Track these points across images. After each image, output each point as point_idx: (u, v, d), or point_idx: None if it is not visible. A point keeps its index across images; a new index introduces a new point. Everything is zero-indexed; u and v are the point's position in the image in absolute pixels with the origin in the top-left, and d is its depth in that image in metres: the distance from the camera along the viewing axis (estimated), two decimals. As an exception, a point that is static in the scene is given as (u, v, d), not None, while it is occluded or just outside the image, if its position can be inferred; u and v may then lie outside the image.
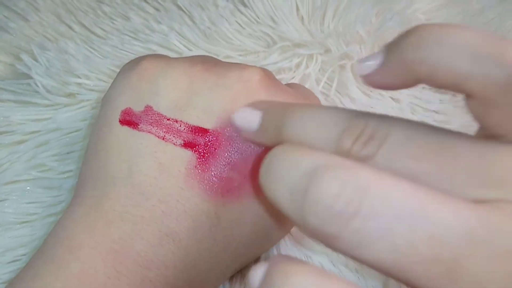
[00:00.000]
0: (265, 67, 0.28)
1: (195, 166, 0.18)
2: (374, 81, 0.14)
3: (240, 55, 0.29)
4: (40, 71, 0.28)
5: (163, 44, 0.30)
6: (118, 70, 0.29)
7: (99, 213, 0.18)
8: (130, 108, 0.19)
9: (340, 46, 0.29)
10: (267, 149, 0.19)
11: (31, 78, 0.28)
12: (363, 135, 0.13)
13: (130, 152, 0.18)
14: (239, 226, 0.19)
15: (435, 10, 0.31)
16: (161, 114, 0.19)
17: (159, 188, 0.18)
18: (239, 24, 0.30)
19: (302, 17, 0.30)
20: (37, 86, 0.28)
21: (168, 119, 0.19)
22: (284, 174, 0.13)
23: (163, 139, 0.18)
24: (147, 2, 0.32)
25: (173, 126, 0.19)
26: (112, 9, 0.32)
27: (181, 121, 0.19)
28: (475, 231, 0.11)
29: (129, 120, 0.19)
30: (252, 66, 0.20)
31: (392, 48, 0.13)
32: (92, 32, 0.31)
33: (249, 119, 0.18)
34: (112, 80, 0.28)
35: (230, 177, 0.18)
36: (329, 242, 0.12)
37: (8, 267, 0.24)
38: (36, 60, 0.29)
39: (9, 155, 0.27)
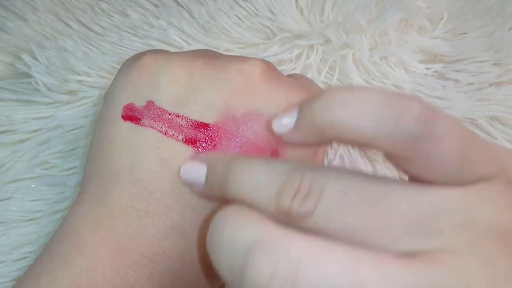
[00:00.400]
0: (266, 59, 0.28)
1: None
2: (290, 138, 0.15)
3: (240, 48, 0.29)
4: (40, 70, 0.28)
5: (163, 40, 0.29)
6: (118, 67, 0.29)
7: (104, 208, 0.18)
8: (132, 103, 0.19)
9: (340, 36, 0.28)
10: (270, 143, 0.19)
11: (31, 77, 0.28)
12: (300, 190, 0.13)
13: (132, 148, 0.18)
14: None
15: (435, -3, 0.31)
16: (163, 109, 0.19)
17: (161, 182, 0.18)
18: (238, 17, 0.30)
19: (301, 8, 0.30)
20: (38, 84, 0.28)
21: (170, 114, 0.19)
22: (224, 249, 0.13)
23: (165, 134, 0.18)
24: (145, -2, 0.32)
25: (175, 121, 0.19)
26: (110, 6, 0.32)
27: (182, 115, 0.19)
28: None
29: (131, 116, 0.19)
30: (253, 58, 0.20)
31: (303, 110, 0.14)
32: (91, 30, 0.31)
33: (195, 174, 0.17)
34: (112, 77, 0.28)
35: None
36: None
37: (15, 264, 0.24)
38: (36, 59, 0.29)
39: (12, 154, 0.27)
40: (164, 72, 0.19)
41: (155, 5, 0.32)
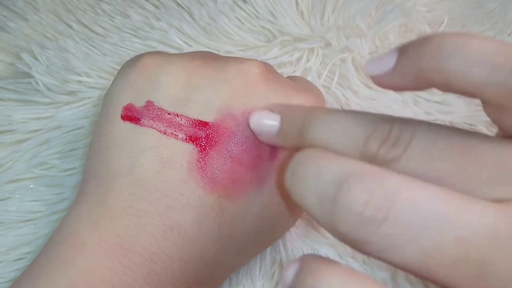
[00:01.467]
0: (266, 62, 0.28)
1: (197, 159, 0.18)
2: (384, 82, 0.14)
3: (240, 50, 0.29)
4: (40, 70, 0.28)
5: (163, 41, 0.30)
6: (118, 68, 0.29)
7: (103, 209, 0.18)
8: (131, 103, 0.19)
9: (341, 40, 0.28)
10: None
11: (31, 77, 0.28)
12: (389, 139, 0.13)
13: (132, 148, 0.18)
14: (244, 218, 0.19)
15: (436, 2, 0.31)
16: (162, 109, 0.19)
17: (162, 181, 0.18)
18: (239, 20, 0.30)
19: (302, 11, 0.30)
20: (38, 84, 0.28)
21: (169, 114, 0.19)
22: (312, 181, 0.13)
23: (164, 133, 0.18)
24: (146, 0, 0.32)
25: (174, 120, 0.19)
26: (111, 7, 0.32)
27: (181, 115, 0.19)
28: (500, 231, 0.11)
29: (130, 116, 0.19)
30: (251, 59, 0.20)
31: (407, 55, 0.13)
32: (92, 30, 0.31)
33: (267, 123, 0.18)
34: (113, 78, 0.28)
35: (233, 168, 0.18)
36: (359, 247, 0.12)
37: (12, 265, 0.24)
38: (36, 59, 0.29)
39: (11, 154, 0.26)
40: (163, 73, 0.19)
41: (156, 7, 0.32)
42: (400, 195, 0.12)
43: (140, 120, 0.19)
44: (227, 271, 0.20)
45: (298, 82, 0.22)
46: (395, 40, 0.29)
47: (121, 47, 0.30)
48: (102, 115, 0.20)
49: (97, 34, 0.31)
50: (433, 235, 0.11)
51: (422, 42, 0.13)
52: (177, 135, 0.18)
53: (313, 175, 0.13)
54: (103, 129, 0.20)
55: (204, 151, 0.18)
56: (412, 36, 0.29)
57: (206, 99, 0.19)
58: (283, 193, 0.20)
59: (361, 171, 0.12)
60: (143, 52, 0.29)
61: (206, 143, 0.18)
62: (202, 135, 0.18)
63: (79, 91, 0.28)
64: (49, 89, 0.28)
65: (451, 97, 0.27)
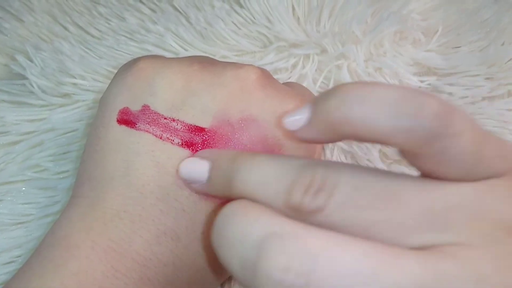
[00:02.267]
0: (262, 67, 0.28)
1: None
2: (302, 136, 0.14)
3: (236, 55, 0.29)
4: (35, 72, 0.28)
5: (159, 45, 0.30)
6: (114, 71, 0.29)
7: (96, 212, 0.18)
8: (127, 107, 0.19)
9: (336, 46, 0.29)
10: (266, 148, 0.19)
11: (26, 78, 0.28)
12: (312, 186, 0.13)
13: (127, 151, 0.18)
14: None
15: (431, 10, 0.31)
16: (158, 113, 0.19)
17: (156, 186, 0.18)
18: (235, 25, 0.30)
19: (298, 18, 0.30)
20: (32, 86, 0.28)
21: (165, 118, 0.19)
22: (234, 243, 0.13)
23: (160, 138, 0.18)
24: (143, 3, 0.32)
25: (170, 125, 0.19)
26: (108, 9, 0.32)
27: (178, 120, 0.19)
28: (426, 284, 0.11)
29: (126, 119, 0.19)
30: (248, 65, 0.20)
31: (317, 107, 0.13)
32: (88, 33, 0.31)
33: (197, 170, 0.17)
34: (108, 81, 0.28)
35: None
36: None
37: (3, 268, 0.24)
38: (31, 61, 0.29)
39: (4, 155, 0.26)
40: (160, 77, 0.19)
41: (153, 10, 0.32)
42: (322, 257, 0.11)
43: (136, 124, 0.19)
44: (220, 276, 0.20)
45: (294, 89, 0.22)
46: (390, 47, 0.29)
47: (116, 50, 0.30)
48: (98, 118, 0.20)
49: (93, 36, 0.31)
50: None
51: (328, 94, 0.13)
52: (173, 140, 0.18)
53: (236, 237, 0.13)
54: (98, 132, 0.20)
55: None
56: (407, 44, 0.29)
57: (203, 104, 0.19)
58: None
59: (280, 231, 0.12)
60: (139, 55, 0.29)
61: (202, 149, 0.18)
62: (198, 141, 0.18)
63: (73, 94, 0.28)
64: (43, 91, 0.28)
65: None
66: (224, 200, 0.17)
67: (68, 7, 0.32)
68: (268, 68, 0.28)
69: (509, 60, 0.28)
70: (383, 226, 0.12)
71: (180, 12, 0.31)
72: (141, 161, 0.18)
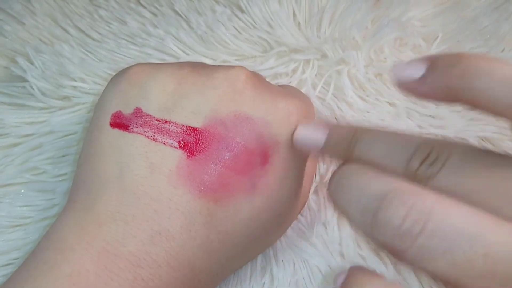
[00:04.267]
0: (262, 72, 0.28)
1: (186, 164, 0.18)
2: (410, 88, 0.15)
3: (237, 60, 0.29)
4: (35, 74, 0.28)
5: (160, 48, 0.30)
6: (114, 74, 0.29)
7: (91, 215, 0.18)
8: (120, 111, 0.19)
9: (337, 52, 0.29)
10: (260, 146, 0.19)
11: (26, 81, 0.28)
12: (428, 158, 0.14)
13: (121, 154, 0.19)
14: (233, 223, 0.19)
15: (431, 17, 0.31)
16: (151, 115, 0.19)
17: (150, 187, 0.18)
18: (236, 29, 0.30)
19: (299, 23, 0.30)
20: (32, 89, 0.28)
21: (158, 120, 0.19)
22: (355, 194, 0.15)
23: (153, 139, 0.19)
24: (144, 7, 0.32)
25: (163, 126, 0.19)
26: (109, 13, 0.32)
27: (170, 121, 0.19)
28: None
29: (119, 123, 0.19)
30: (238, 66, 0.20)
31: (437, 70, 0.14)
32: (88, 36, 0.31)
33: (314, 137, 0.18)
34: (108, 84, 0.28)
35: (222, 173, 0.18)
36: (396, 255, 0.14)
37: (1, 270, 0.24)
38: (32, 63, 0.29)
39: (3, 158, 0.26)
40: (153, 80, 0.20)
41: (154, 14, 0.32)
42: (436, 211, 0.13)
43: (129, 127, 0.19)
44: (216, 278, 0.20)
45: (285, 89, 0.22)
46: (390, 53, 0.29)
47: (117, 53, 0.30)
48: (92, 123, 0.21)
49: (94, 39, 0.31)
50: (464, 249, 0.12)
51: (451, 61, 0.14)
52: (166, 141, 0.19)
53: (357, 189, 0.15)
54: (92, 136, 0.20)
55: (193, 156, 0.18)
56: (407, 51, 0.30)
57: (195, 106, 0.19)
58: (278, 199, 0.20)
59: (401, 189, 0.14)
60: (139, 58, 0.29)
61: (195, 148, 0.18)
62: (191, 140, 0.19)
63: (73, 97, 0.28)
64: (43, 94, 0.28)
65: (444, 111, 0.27)
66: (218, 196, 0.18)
67: (69, 10, 0.32)
68: (268, 73, 0.28)
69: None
70: (486, 194, 0.13)
71: (181, 16, 0.31)
72: (135, 163, 0.18)
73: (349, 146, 0.17)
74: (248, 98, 0.19)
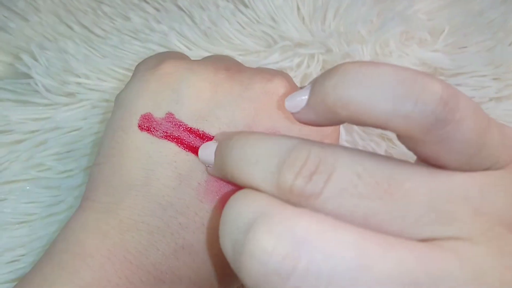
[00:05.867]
0: (266, 66, 0.28)
1: (216, 180, 0.17)
2: (301, 118, 0.14)
3: (240, 55, 0.29)
4: (40, 71, 0.28)
5: (163, 44, 0.29)
6: (118, 70, 0.29)
7: (112, 220, 0.17)
8: (150, 113, 0.18)
9: (342, 46, 0.28)
10: None
11: (31, 77, 0.28)
12: (305, 166, 0.12)
13: (148, 160, 0.18)
14: None
15: (436, 10, 0.31)
16: (183, 123, 0.18)
17: (177, 199, 0.17)
18: (240, 24, 0.30)
19: (303, 17, 0.30)
20: (37, 85, 0.28)
21: (190, 129, 0.18)
22: (229, 226, 0.12)
23: (183, 148, 0.18)
24: (147, 2, 0.32)
25: (195, 136, 0.18)
26: (112, 9, 0.32)
27: (203, 131, 0.18)
28: (419, 280, 0.11)
29: (148, 126, 0.18)
30: (277, 76, 0.19)
31: (315, 89, 0.13)
32: (92, 32, 0.31)
33: (208, 153, 0.17)
34: (112, 79, 0.28)
35: None
36: None
37: (7, 267, 0.24)
38: (36, 60, 0.29)
39: (8, 154, 0.26)
40: (187, 84, 0.18)
41: (157, 10, 0.32)
42: (311, 242, 0.10)
43: (159, 132, 0.18)
44: None
45: None
46: (396, 47, 0.29)
47: (121, 49, 0.30)
48: (116, 120, 0.19)
49: (97, 36, 0.31)
50: None
51: (326, 74, 0.12)
52: (197, 152, 0.18)
53: (231, 219, 0.12)
54: (116, 135, 0.18)
55: None
56: (413, 44, 0.29)
57: (230, 117, 0.18)
58: None
59: (272, 212, 0.11)
60: (143, 54, 0.29)
61: None
62: None
63: (78, 93, 0.28)
64: (48, 90, 0.28)
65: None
66: None
67: (73, 6, 0.32)
68: (272, 67, 0.28)
69: (516, 60, 0.28)
70: (384, 217, 0.12)
71: (184, 11, 0.31)
72: (162, 172, 0.17)
73: (224, 159, 0.15)
74: (284, 116, 0.18)
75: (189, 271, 0.17)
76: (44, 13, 0.32)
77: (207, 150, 0.17)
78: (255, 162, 0.13)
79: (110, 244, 0.16)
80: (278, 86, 0.19)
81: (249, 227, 0.11)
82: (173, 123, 0.18)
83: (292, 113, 0.14)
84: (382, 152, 0.25)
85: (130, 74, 0.28)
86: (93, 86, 0.28)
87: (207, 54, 0.29)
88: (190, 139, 0.18)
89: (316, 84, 0.13)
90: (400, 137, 0.13)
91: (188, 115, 0.18)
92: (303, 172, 0.12)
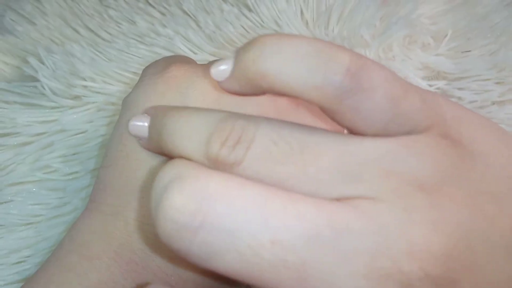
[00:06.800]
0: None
1: None
2: (226, 87, 0.14)
3: (245, 59, 0.29)
4: (46, 74, 0.28)
5: (169, 48, 0.30)
6: (124, 73, 0.29)
7: (119, 222, 0.17)
8: None
9: (345, 50, 0.29)
10: None
11: (37, 80, 0.29)
12: (230, 137, 0.13)
13: (154, 162, 0.18)
14: None
15: (440, 15, 0.31)
16: None
17: None
18: (244, 28, 0.30)
19: (307, 21, 0.30)
20: (44, 88, 0.28)
21: None
22: (152, 190, 0.13)
23: None
24: (153, 7, 0.32)
25: None
26: (118, 13, 0.32)
27: None
28: (322, 233, 0.11)
29: None
30: None
31: (237, 60, 0.13)
32: (98, 36, 0.31)
33: (140, 126, 0.17)
34: (118, 83, 0.29)
35: None
36: (183, 257, 0.12)
37: (12, 268, 0.24)
38: (43, 63, 0.29)
39: (15, 156, 0.27)
40: (193, 87, 0.18)
41: (163, 14, 0.32)
42: (217, 198, 0.11)
43: None
44: None
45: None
46: (399, 51, 0.29)
47: (126, 53, 0.30)
48: (123, 123, 0.19)
49: (103, 39, 0.31)
50: (248, 240, 0.11)
51: (246, 47, 0.13)
52: None
53: (154, 185, 0.13)
54: (123, 138, 0.18)
55: None
56: (416, 49, 0.29)
57: None
58: None
59: (183, 175, 0.12)
60: (148, 58, 0.30)
61: None
62: None
63: (84, 96, 0.28)
64: (54, 93, 0.28)
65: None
66: None
67: (80, 10, 0.32)
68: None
69: (519, 65, 0.28)
70: (298, 179, 0.12)
71: (189, 15, 0.31)
72: None
73: (160, 133, 0.15)
74: (289, 119, 0.18)
75: (195, 275, 0.17)
76: (51, 16, 0.32)
77: (139, 123, 0.17)
78: (188, 135, 0.13)
79: (116, 245, 0.17)
80: None
81: (165, 189, 0.12)
82: None
83: (218, 82, 0.14)
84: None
85: (136, 77, 0.28)
86: (99, 89, 0.28)
87: (212, 58, 0.29)
88: None
89: (238, 55, 0.13)
90: (321, 109, 0.13)
91: None
92: (227, 142, 0.13)
